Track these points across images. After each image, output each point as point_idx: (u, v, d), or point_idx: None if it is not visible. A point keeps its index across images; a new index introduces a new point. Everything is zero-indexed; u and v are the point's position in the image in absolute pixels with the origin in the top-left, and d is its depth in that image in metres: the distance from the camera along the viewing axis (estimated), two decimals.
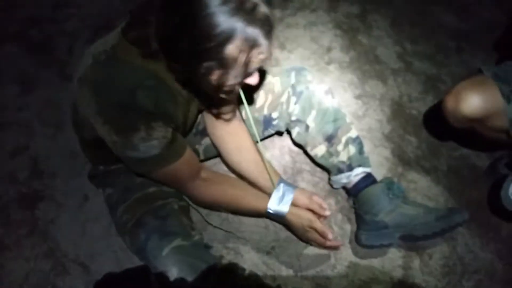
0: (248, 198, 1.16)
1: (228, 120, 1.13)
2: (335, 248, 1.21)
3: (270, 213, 1.15)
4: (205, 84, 0.83)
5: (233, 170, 1.24)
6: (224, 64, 0.76)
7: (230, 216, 1.27)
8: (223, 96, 0.89)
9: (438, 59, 1.63)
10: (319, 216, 1.18)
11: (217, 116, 1.11)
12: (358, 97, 1.55)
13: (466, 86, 1.10)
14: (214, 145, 1.23)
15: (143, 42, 0.81)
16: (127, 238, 1.08)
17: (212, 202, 1.15)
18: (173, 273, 0.99)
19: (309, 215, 1.16)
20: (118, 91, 0.85)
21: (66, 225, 1.28)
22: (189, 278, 0.99)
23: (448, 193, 1.33)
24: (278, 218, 1.18)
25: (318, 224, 1.15)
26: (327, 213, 1.18)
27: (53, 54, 1.68)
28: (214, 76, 0.79)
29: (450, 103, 1.12)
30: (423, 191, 1.33)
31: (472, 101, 1.07)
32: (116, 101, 0.85)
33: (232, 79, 0.80)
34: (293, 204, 1.16)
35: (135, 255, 1.09)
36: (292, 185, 1.19)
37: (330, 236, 1.14)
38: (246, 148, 1.18)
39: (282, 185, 1.17)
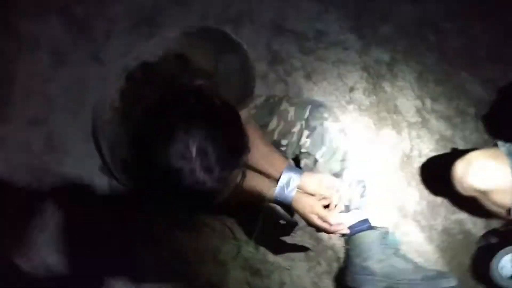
0: (257, 187, 1.13)
1: None
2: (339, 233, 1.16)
3: (277, 200, 1.14)
4: None
5: None
6: None
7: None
8: None
9: (455, 122, 1.66)
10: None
11: None
12: (370, 141, 1.58)
13: (478, 156, 1.13)
14: None
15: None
16: None
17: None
18: None
19: (311, 200, 1.12)
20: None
21: None
22: None
23: (440, 254, 1.36)
24: (285, 205, 1.16)
25: (319, 209, 1.11)
26: (335, 199, 1.13)
27: (90, 35, 1.72)
28: None
29: (459, 169, 1.15)
30: (415, 246, 1.36)
31: (482, 173, 1.10)
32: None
33: None
34: (301, 189, 1.14)
35: None
36: (300, 170, 1.18)
37: (332, 220, 1.11)
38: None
39: (288, 171, 1.14)
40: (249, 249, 1.30)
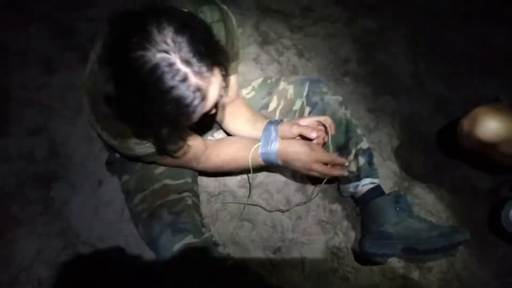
0: (244, 151, 1.11)
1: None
2: (341, 165, 1.10)
3: (265, 157, 1.10)
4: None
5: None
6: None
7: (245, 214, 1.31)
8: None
9: (450, 82, 1.68)
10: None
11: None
12: (370, 110, 1.60)
13: (483, 111, 1.15)
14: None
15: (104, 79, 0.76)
16: (141, 228, 1.12)
17: (216, 169, 1.19)
18: (182, 268, 1.04)
19: (299, 145, 1.07)
20: (101, 105, 0.82)
21: (79, 207, 1.32)
22: (197, 274, 1.04)
23: (450, 211, 1.38)
24: (275, 160, 1.10)
25: (316, 148, 1.07)
26: (314, 134, 1.07)
27: (77, 39, 1.70)
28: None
29: (466, 126, 1.18)
30: (427, 206, 1.38)
31: (488, 126, 1.12)
32: (108, 115, 0.83)
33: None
34: (283, 138, 1.09)
35: (146, 245, 1.13)
36: (277, 121, 1.14)
37: (327, 157, 1.06)
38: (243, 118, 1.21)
39: (268, 125, 1.12)
40: (266, 228, 1.31)
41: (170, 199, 1.11)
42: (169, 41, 0.68)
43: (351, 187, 1.29)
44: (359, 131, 1.29)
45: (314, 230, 1.32)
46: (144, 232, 1.10)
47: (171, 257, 1.03)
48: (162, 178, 1.14)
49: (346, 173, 1.13)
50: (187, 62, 0.70)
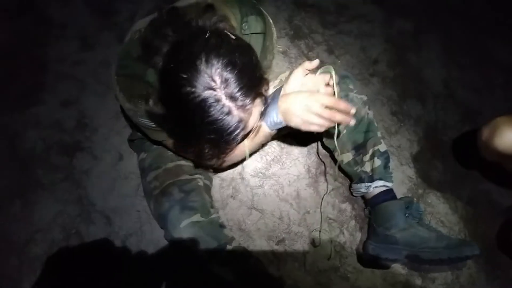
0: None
1: None
2: (346, 114, 0.93)
3: (276, 127, 0.99)
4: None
5: None
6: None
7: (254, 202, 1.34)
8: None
9: (482, 92, 1.62)
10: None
11: None
12: (394, 113, 1.57)
13: (504, 121, 1.12)
14: None
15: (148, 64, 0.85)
16: (152, 204, 1.16)
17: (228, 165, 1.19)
18: (187, 244, 1.07)
19: (303, 91, 0.95)
20: (128, 67, 0.92)
21: (98, 178, 1.39)
22: (200, 252, 1.07)
23: (464, 224, 1.35)
24: (275, 114, 0.97)
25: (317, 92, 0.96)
26: (316, 62, 0.97)
27: (115, 18, 1.77)
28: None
29: (485, 134, 1.14)
30: (439, 216, 1.36)
31: (508, 136, 1.09)
32: (127, 74, 0.93)
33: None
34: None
35: (155, 220, 1.18)
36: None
37: (338, 100, 0.92)
38: None
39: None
40: (273, 219, 1.33)
41: (182, 179, 1.15)
42: (216, 78, 0.73)
43: (363, 187, 1.28)
44: (379, 133, 1.28)
45: (321, 226, 1.32)
46: (154, 208, 1.15)
47: (177, 234, 1.07)
48: (176, 158, 1.18)
49: (352, 122, 0.95)
50: (232, 98, 0.75)
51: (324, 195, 1.36)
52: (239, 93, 0.75)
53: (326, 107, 0.91)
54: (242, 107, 0.76)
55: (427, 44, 1.75)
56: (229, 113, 0.75)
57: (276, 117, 0.96)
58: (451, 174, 1.44)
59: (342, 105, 0.93)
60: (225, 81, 0.73)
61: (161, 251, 1.24)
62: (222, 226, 1.20)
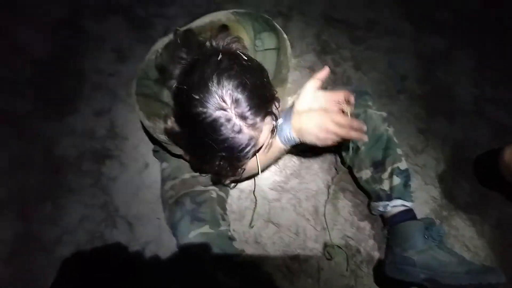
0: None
1: None
2: (359, 131, 0.96)
3: (290, 143, 1.01)
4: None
5: None
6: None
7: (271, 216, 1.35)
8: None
9: None
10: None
11: None
12: (421, 131, 1.53)
13: None
14: None
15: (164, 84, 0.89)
16: (166, 212, 1.20)
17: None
18: (195, 254, 1.10)
19: (316, 110, 0.96)
20: (146, 87, 0.97)
21: (124, 185, 1.45)
22: (208, 262, 1.10)
23: (490, 249, 1.28)
24: (289, 132, 0.99)
25: (331, 111, 0.96)
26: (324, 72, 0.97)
27: (150, 33, 1.85)
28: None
29: (507, 155, 1.10)
30: (464, 240, 1.30)
31: None
32: (145, 93, 0.97)
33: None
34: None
35: (169, 227, 1.21)
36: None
37: (345, 120, 0.94)
38: None
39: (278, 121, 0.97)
40: (289, 234, 1.33)
41: (196, 190, 1.18)
42: (227, 99, 0.76)
43: (380, 206, 1.26)
44: (398, 150, 1.25)
45: (338, 243, 1.31)
46: (168, 217, 1.19)
47: (187, 244, 1.10)
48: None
49: (365, 138, 0.98)
50: (242, 117, 0.77)
51: (326, 200, 1.35)
52: (249, 112, 0.77)
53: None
54: (253, 125, 0.79)
55: (458, 61, 1.70)
56: (240, 131, 0.78)
57: (289, 134, 0.99)
58: (478, 195, 1.38)
59: (355, 123, 0.95)
60: (236, 101, 0.76)
61: (176, 259, 1.27)
62: (231, 238, 1.22)
